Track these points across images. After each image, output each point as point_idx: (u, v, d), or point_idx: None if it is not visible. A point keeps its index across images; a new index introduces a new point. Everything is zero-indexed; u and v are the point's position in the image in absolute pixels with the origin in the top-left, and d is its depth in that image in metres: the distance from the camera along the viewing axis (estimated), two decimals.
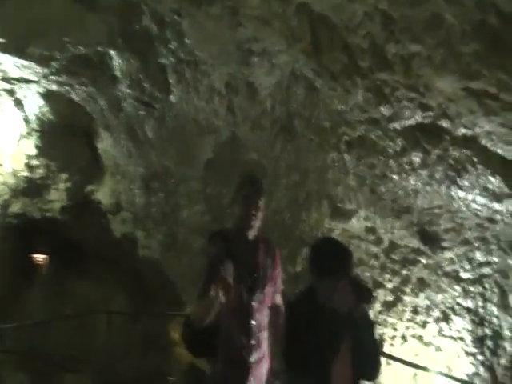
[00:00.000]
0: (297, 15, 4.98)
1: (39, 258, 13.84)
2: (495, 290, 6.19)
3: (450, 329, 6.71)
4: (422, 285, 6.79)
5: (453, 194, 5.50)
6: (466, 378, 6.59)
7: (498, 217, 5.46)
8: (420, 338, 7.04)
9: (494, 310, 6.23)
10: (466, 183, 5.26)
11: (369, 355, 3.91)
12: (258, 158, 7.35)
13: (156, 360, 12.09)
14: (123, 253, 11.59)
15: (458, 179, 5.28)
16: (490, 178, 4.99)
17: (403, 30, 4.20)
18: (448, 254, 6.32)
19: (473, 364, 6.58)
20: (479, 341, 6.47)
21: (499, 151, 4.75)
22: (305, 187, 7.09)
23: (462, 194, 5.43)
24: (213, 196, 8.44)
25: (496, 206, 5.29)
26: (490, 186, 5.09)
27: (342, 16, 4.57)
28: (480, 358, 6.50)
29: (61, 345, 11.80)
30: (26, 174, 10.57)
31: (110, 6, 6.65)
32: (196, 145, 7.97)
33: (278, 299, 4.68)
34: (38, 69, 8.05)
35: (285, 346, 4.09)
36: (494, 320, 6.27)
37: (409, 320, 7.05)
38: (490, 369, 6.42)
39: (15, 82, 8.69)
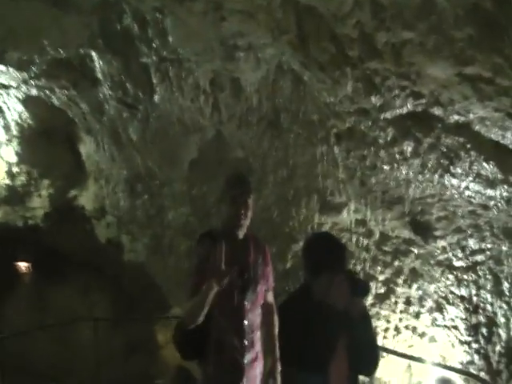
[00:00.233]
0: (282, 7, 4.94)
1: (22, 266, 13.69)
2: (489, 276, 6.19)
3: (444, 318, 6.70)
4: (414, 275, 6.77)
5: (446, 182, 5.50)
6: (460, 367, 6.59)
7: (492, 203, 5.45)
8: (413, 329, 7.02)
9: (488, 296, 6.23)
10: (458, 170, 5.26)
11: (366, 351, 3.87)
12: (244, 156, 7.31)
13: (143, 364, 11.99)
14: (108, 258, 11.48)
15: (450, 167, 5.28)
16: (484, 164, 4.99)
17: (394, 17, 4.17)
18: (441, 243, 6.31)
19: (467, 352, 6.58)
20: (473, 329, 6.47)
21: (493, 137, 4.75)
22: (293, 183, 7.06)
23: (454, 181, 5.42)
24: (198, 197, 8.38)
25: (489, 192, 5.29)
26: (483, 172, 5.09)
27: (329, 5, 4.53)
28: (475, 346, 6.51)
29: (45, 354, 11.67)
30: (7, 181, 10.46)
31: (89, 6, 6.59)
32: (180, 145, 7.91)
33: (270, 297, 4.54)
34: (17, 74, 7.95)
35: (281, 345, 4.07)
36: (489, 307, 6.27)
37: (402, 311, 7.04)
38: (485, 356, 6.43)
39: None
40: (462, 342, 6.60)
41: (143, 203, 9.32)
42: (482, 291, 6.27)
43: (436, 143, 5.17)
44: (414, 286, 6.81)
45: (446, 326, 6.71)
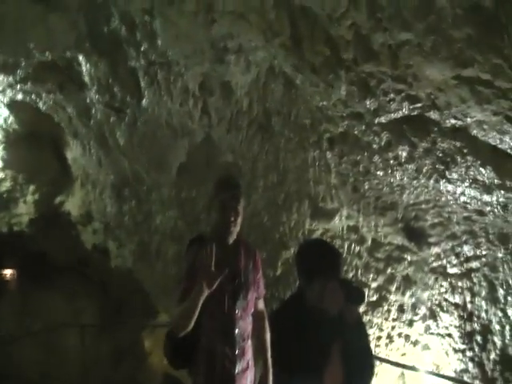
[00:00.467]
0: (275, 8, 4.80)
1: (7, 273, 13.53)
2: (484, 283, 6.12)
3: (438, 326, 6.63)
4: (407, 282, 6.70)
5: (441, 187, 5.41)
6: (454, 376, 6.52)
7: (488, 208, 5.37)
8: (406, 337, 6.96)
9: (483, 304, 6.17)
10: (454, 176, 5.16)
11: (361, 359, 3.83)
12: (233, 160, 7.19)
13: (130, 370, 11.89)
14: (94, 264, 11.37)
15: (446, 172, 5.18)
16: (481, 168, 4.90)
17: (392, 17, 4.04)
18: (435, 250, 6.24)
19: (461, 361, 6.53)
20: (468, 336, 6.41)
21: (490, 141, 4.65)
22: (284, 188, 6.94)
23: (450, 187, 5.33)
24: (186, 201, 8.25)
25: (486, 197, 5.20)
26: (479, 177, 5.00)
27: (324, 6, 4.41)
28: (469, 354, 6.45)
29: (31, 361, 11.53)
30: None
31: (76, 8, 6.46)
32: (169, 149, 7.78)
33: (261, 304, 4.51)
34: (2, 77, 7.80)
35: (275, 352, 4.00)
36: (483, 314, 6.21)
37: (394, 319, 6.96)
38: (480, 364, 6.38)
39: None
40: (456, 350, 6.54)
41: (130, 209, 9.18)
42: (477, 298, 6.21)
43: (432, 148, 5.06)
44: (407, 293, 6.73)
45: (439, 334, 6.64)
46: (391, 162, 5.52)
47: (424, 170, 5.34)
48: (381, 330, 7.06)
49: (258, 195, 7.16)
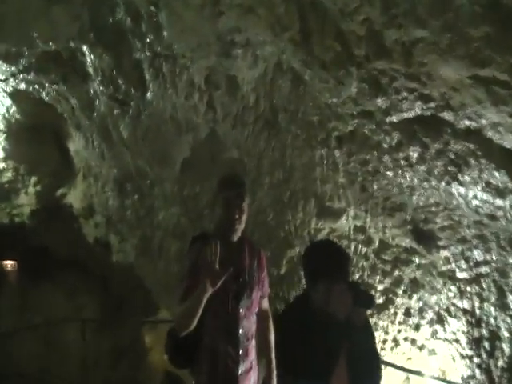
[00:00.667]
0: (284, 1, 4.68)
1: (7, 265, 13.43)
2: (493, 289, 5.95)
3: (445, 331, 6.48)
4: (415, 286, 6.54)
5: (452, 190, 5.22)
6: (460, 382, 6.39)
7: (500, 213, 5.18)
8: (413, 341, 6.81)
9: (492, 310, 6.00)
10: (467, 178, 4.98)
11: (368, 364, 3.72)
12: (239, 156, 7.06)
13: (130, 367, 11.80)
14: (95, 258, 11.26)
15: (458, 174, 5.00)
16: (494, 172, 4.71)
17: (406, 13, 3.88)
18: (443, 253, 6.07)
19: (468, 367, 6.38)
20: (475, 343, 6.25)
21: (505, 144, 4.47)
22: (290, 185, 6.79)
23: (462, 190, 5.14)
24: (190, 197, 8.13)
25: (498, 201, 5.01)
26: (493, 180, 4.82)
27: (336, 1, 4.26)
28: (476, 360, 6.29)
29: (31, 357, 11.43)
30: None
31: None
32: (173, 144, 7.65)
33: (265, 304, 4.46)
34: (5, 67, 7.68)
35: (281, 355, 3.89)
36: (492, 321, 6.05)
37: (401, 323, 6.82)
38: (487, 371, 6.22)
39: None
40: (463, 356, 6.39)
41: (133, 203, 9.06)
42: (486, 304, 6.04)
43: (444, 149, 4.88)
44: (415, 296, 6.58)
45: (446, 339, 6.49)
46: (401, 162, 5.35)
47: (435, 172, 5.17)
48: (386, 333, 6.93)
49: (263, 192, 7.02)
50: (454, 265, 6.09)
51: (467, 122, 4.49)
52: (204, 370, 4.07)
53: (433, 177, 5.25)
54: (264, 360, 4.35)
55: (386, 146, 5.33)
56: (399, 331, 6.86)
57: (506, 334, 5.94)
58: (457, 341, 6.40)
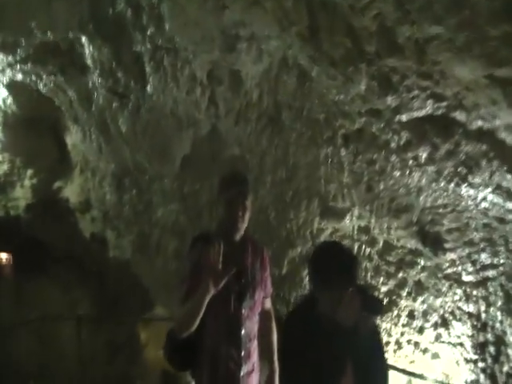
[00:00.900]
0: None
1: (2, 258, 13.29)
2: (500, 293, 5.83)
3: (449, 334, 6.36)
4: (419, 288, 6.40)
5: (462, 192, 5.10)
6: None
7: (510, 216, 5.08)
8: (416, 344, 6.68)
9: (498, 314, 5.88)
10: (477, 180, 4.86)
11: (375, 373, 3.58)
12: (240, 153, 6.90)
13: (125, 364, 11.70)
14: (92, 254, 11.14)
15: (469, 176, 4.88)
16: (507, 174, 4.60)
17: (421, 9, 3.75)
18: (450, 256, 5.93)
19: (472, 371, 6.27)
20: (480, 347, 6.14)
21: None
22: (293, 184, 6.64)
23: (472, 192, 5.02)
24: (189, 194, 7.98)
25: (509, 204, 4.90)
26: (504, 183, 4.71)
27: None
28: (481, 365, 6.18)
29: (26, 352, 11.31)
30: None
31: None
32: (173, 140, 7.51)
33: (268, 304, 4.42)
34: (2, 57, 7.55)
35: (285, 362, 3.74)
36: (498, 325, 5.93)
37: (404, 325, 6.69)
38: (492, 376, 6.12)
39: None
40: (467, 360, 6.27)
41: (131, 198, 8.92)
42: (492, 308, 5.92)
43: (455, 150, 4.76)
44: (419, 299, 6.44)
45: (450, 343, 6.37)
46: (410, 162, 5.22)
47: (445, 173, 5.04)
48: (389, 335, 6.81)
49: (265, 191, 6.88)
50: (460, 268, 5.96)
51: (480, 123, 4.39)
52: (205, 372, 3.99)
53: (442, 178, 5.13)
54: (266, 361, 4.30)
55: (394, 145, 5.20)
56: (402, 334, 6.74)
57: None
58: (461, 345, 6.29)
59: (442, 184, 5.20)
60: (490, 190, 4.87)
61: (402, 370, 6.46)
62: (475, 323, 6.09)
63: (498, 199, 4.93)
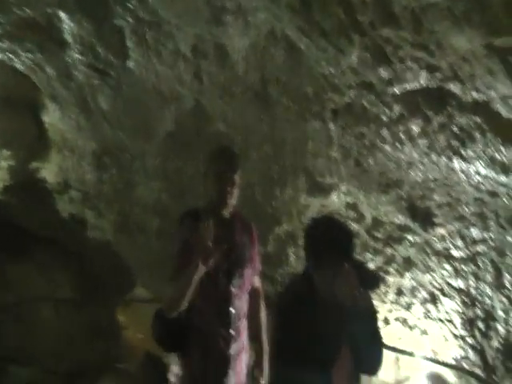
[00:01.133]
0: None
1: None
2: (490, 268, 5.82)
3: (438, 311, 6.37)
4: (407, 264, 6.40)
5: (454, 165, 5.04)
6: (453, 362, 6.31)
7: (503, 190, 5.02)
8: (404, 321, 6.70)
9: (488, 289, 5.89)
10: (470, 153, 4.79)
11: (373, 348, 3.51)
12: (225, 129, 6.77)
13: (107, 346, 11.59)
14: (71, 235, 10.96)
15: (461, 149, 4.81)
16: (501, 147, 4.53)
17: None
18: (439, 231, 5.92)
19: (461, 347, 6.30)
20: (469, 323, 6.16)
21: None
22: (279, 160, 6.56)
23: (464, 165, 4.96)
24: (172, 172, 7.85)
25: (502, 178, 4.84)
26: (498, 156, 4.63)
27: None
28: (469, 340, 6.21)
29: (4, 335, 11.15)
30: None
31: None
32: (155, 116, 7.34)
33: (257, 281, 4.35)
34: None
35: (279, 341, 3.64)
36: (487, 300, 5.94)
37: (392, 302, 6.70)
38: (481, 352, 6.15)
39: None
40: (456, 336, 6.30)
41: (111, 177, 8.75)
42: (481, 283, 5.93)
43: (448, 123, 4.69)
44: (407, 275, 6.44)
45: (439, 319, 6.39)
46: (401, 136, 5.15)
47: (437, 147, 4.98)
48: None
49: (250, 167, 6.75)
50: (449, 243, 5.95)
51: (475, 95, 4.31)
52: (194, 352, 3.93)
53: (434, 151, 5.07)
54: (255, 340, 4.27)
55: (385, 118, 5.12)
56: (390, 311, 6.75)
57: (502, 314, 5.85)
58: (450, 321, 6.31)
59: (434, 158, 5.13)
60: (483, 163, 4.81)
61: (389, 347, 6.42)
62: (464, 299, 6.11)
63: (490, 173, 4.87)
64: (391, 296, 6.65)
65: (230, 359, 3.96)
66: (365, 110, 5.22)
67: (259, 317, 4.29)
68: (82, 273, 11.71)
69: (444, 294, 6.23)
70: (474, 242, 5.77)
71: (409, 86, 4.66)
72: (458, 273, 6.03)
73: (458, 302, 6.13)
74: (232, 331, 3.95)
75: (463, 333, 6.20)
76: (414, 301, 6.51)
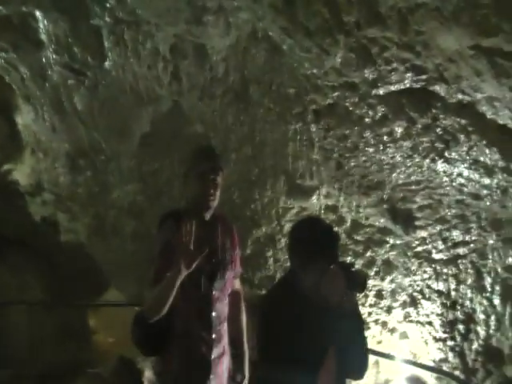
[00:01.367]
0: None
1: None
2: (470, 271, 5.85)
3: (418, 313, 6.37)
4: (387, 267, 6.38)
5: (437, 167, 5.05)
6: (433, 365, 6.28)
7: (485, 192, 5.04)
8: (384, 324, 6.67)
9: (468, 292, 5.92)
10: (454, 155, 4.81)
11: (358, 352, 3.41)
12: (204, 131, 6.69)
13: (78, 350, 11.46)
14: (43, 238, 10.80)
15: (445, 151, 4.83)
16: (485, 149, 4.53)
17: None
18: (420, 234, 5.92)
19: (441, 350, 6.30)
20: (450, 325, 6.17)
21: (499, 120, 4.29)
22: (258, 162, 6.48)
23: (447, 167, 4.98)
24: (148, 174, 7.74)
25: (485, 180, 4.86)
26: (482, 158, 4.66)
27: None
28: (450, 343, 6.22)
29: None
30: None
31: None
32: (131, 117, 7.24)
33: (237, 284, 4.26)
34: None
35: (263, 344, 3.56)
36: (467, 303, 5.96)
37: (372, 305, 6.67)
38: (461, 354, 6.17)
39: None
40: (436, 339, 6.31)
41: (86, 180, 8.61)
42: (462, 286, 5.95)
43: (432, 124, 4.69)
44: (387, 278, 6.42)
45: (419, 322, 6.39)
46: (384, 138, 5.13)
47: (420, 149, 4.97)
48: None
49: (229, 169, 6.67)
50: (430, 245, 5.96)
51: (460, 96, 4.30)
52: (175, 356, 3.81)
53: (417, 153, 5.07)
54: (237, 343, 4.15)
55: (368, 120, 5.10)
56: (370, 314, 6.71)
57: (482, 317, 5.87)
58: (430, 323, 6.32)
59: (417, 160, 5.13)
60: (466, 165, 4.83)
61: (369, 350, 6.38)
62: (445, 301, 6.11)
63: (474, 175, 4.88)
64: (371, 299, 6.62)
65: (211, 363, 3.84)
66: (348, 112, 5.17)
67: (240, 320, 4.19)
68: (52, 275, 11.57)
69: (424, 297, 6.23)
70: (456, 244, 5.78)
71: (393, 87, 4.63)
72: (438, 275, 6.04)
73: (439, 305, 6.14)
74: (213, 335, 3.84)
75: (443, 335, 6.21)
76: (394, 304, 6.49)
